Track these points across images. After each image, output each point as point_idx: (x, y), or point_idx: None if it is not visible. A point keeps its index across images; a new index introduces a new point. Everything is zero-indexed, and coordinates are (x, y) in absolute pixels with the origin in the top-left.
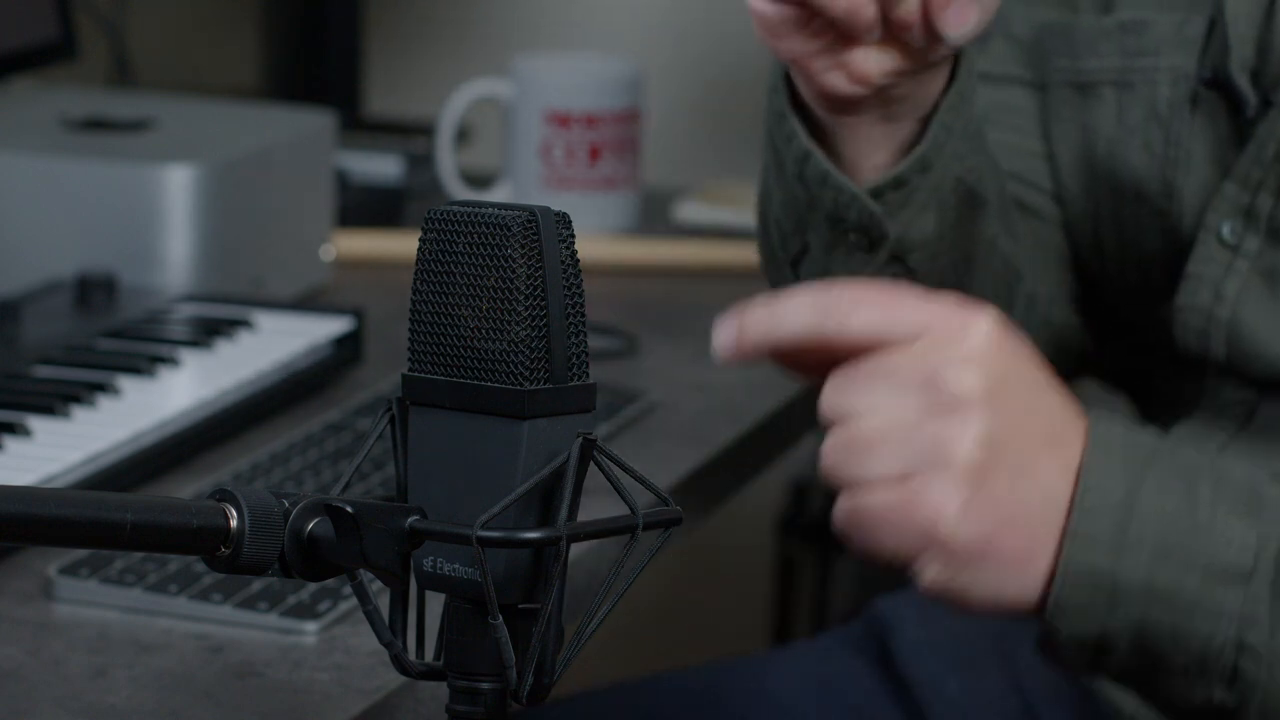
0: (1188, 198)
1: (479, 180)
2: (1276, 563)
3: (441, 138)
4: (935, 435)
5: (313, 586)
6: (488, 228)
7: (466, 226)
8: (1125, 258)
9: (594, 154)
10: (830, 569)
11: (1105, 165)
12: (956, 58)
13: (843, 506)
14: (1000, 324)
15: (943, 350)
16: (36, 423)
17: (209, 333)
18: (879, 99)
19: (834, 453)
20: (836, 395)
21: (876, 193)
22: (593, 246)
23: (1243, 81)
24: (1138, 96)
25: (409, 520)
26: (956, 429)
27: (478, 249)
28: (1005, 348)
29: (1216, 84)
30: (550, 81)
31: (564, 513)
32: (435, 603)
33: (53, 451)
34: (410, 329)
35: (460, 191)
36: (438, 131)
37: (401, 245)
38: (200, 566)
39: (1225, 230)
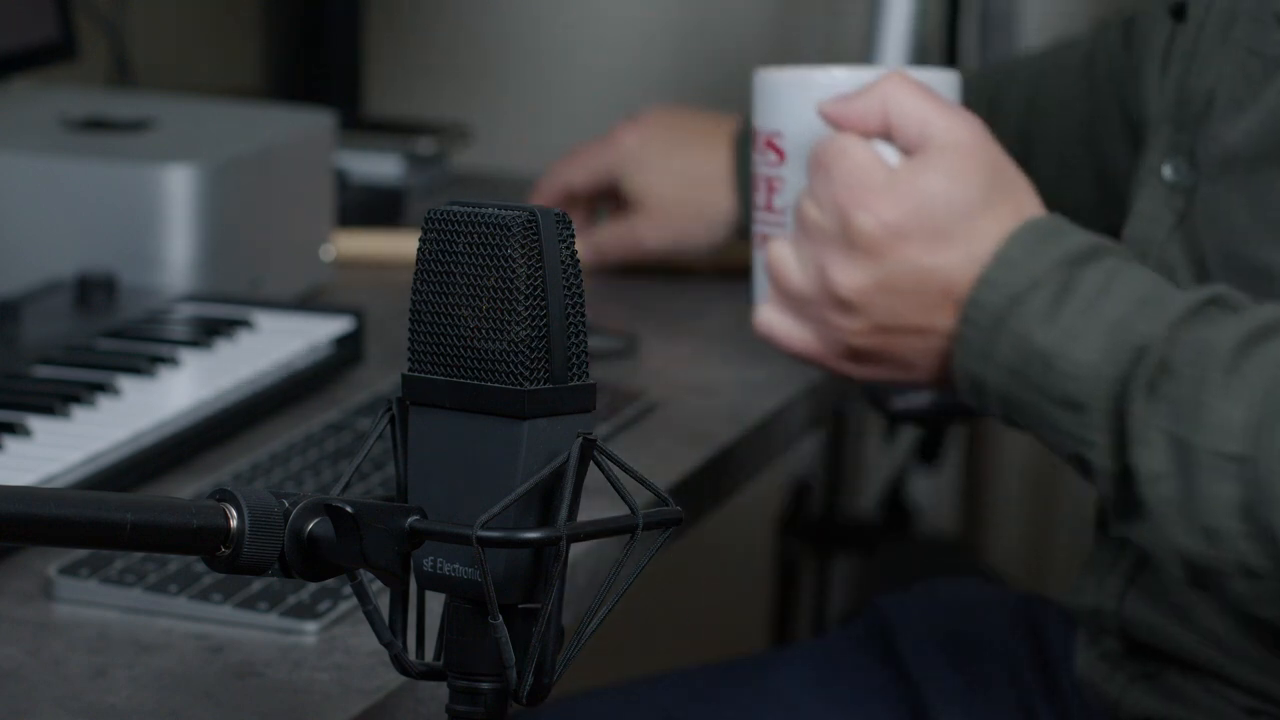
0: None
1: (478, 180)
2: (1113, 396)
3: None
4: (830, 321)
5: (313, 586)
6: (488, 228)
7: (466, 226)
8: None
9: None
10: (830, 569)
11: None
12: None
13: (765, 317)
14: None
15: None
16: (36, 423)
17: (209, 333)
18: None
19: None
20: (778, 248)
21: None
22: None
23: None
24: (1150, 40)
25: (409, 520)
26: (844, 321)
27: (478, 249)
28: (899, 236)
29: (1178, 12)
30: None
31: (564, 513)
32: (435, 603)
33: (53, 451)
34: (410, 329)
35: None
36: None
37: (401, 245)
38: (200, 566)
39: (1166, 170)
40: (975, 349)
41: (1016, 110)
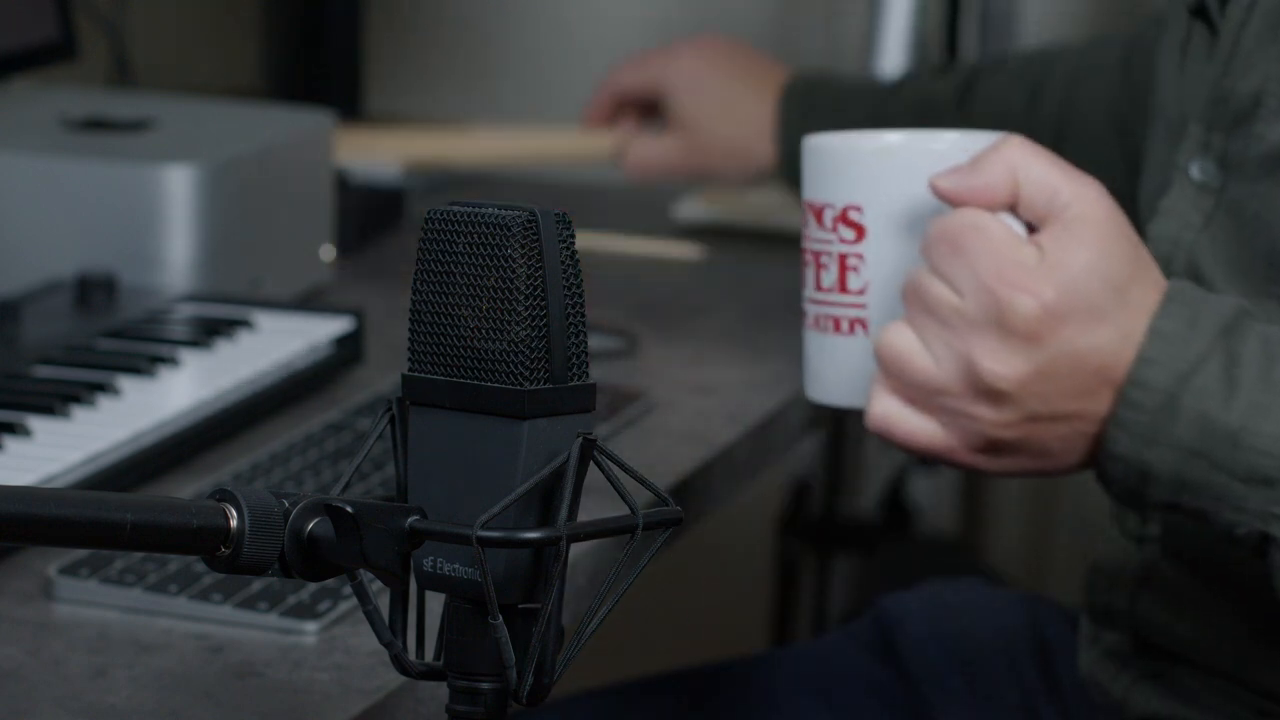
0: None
1: (478, 180)
2: None
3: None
4: (971, 414)
5: (313, 586)
6: (488, 228)
7: (466, 226)
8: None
9: None
10: (830, 569)
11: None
12: None
13: (881, 410)
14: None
15: (986, 338)
16: (36, 423)
17: (209, 333)
18: None
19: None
20: (896, 335)
21: None
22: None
23: (1215, 11)
24: (1166, 33)
25: (409, 520)
26: (991, 412)
27: (478, 249)
28: (1057, 320)
29: (1200, 12)
30: None
31: (564, 513)
32: (435, 603)
33: (53, 451)
34: (410, 329)
35: None
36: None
37: (469, 146)
38: (200, 566)
39: (1194, 170)
40: (1141, 432)
41: (1054, 102)
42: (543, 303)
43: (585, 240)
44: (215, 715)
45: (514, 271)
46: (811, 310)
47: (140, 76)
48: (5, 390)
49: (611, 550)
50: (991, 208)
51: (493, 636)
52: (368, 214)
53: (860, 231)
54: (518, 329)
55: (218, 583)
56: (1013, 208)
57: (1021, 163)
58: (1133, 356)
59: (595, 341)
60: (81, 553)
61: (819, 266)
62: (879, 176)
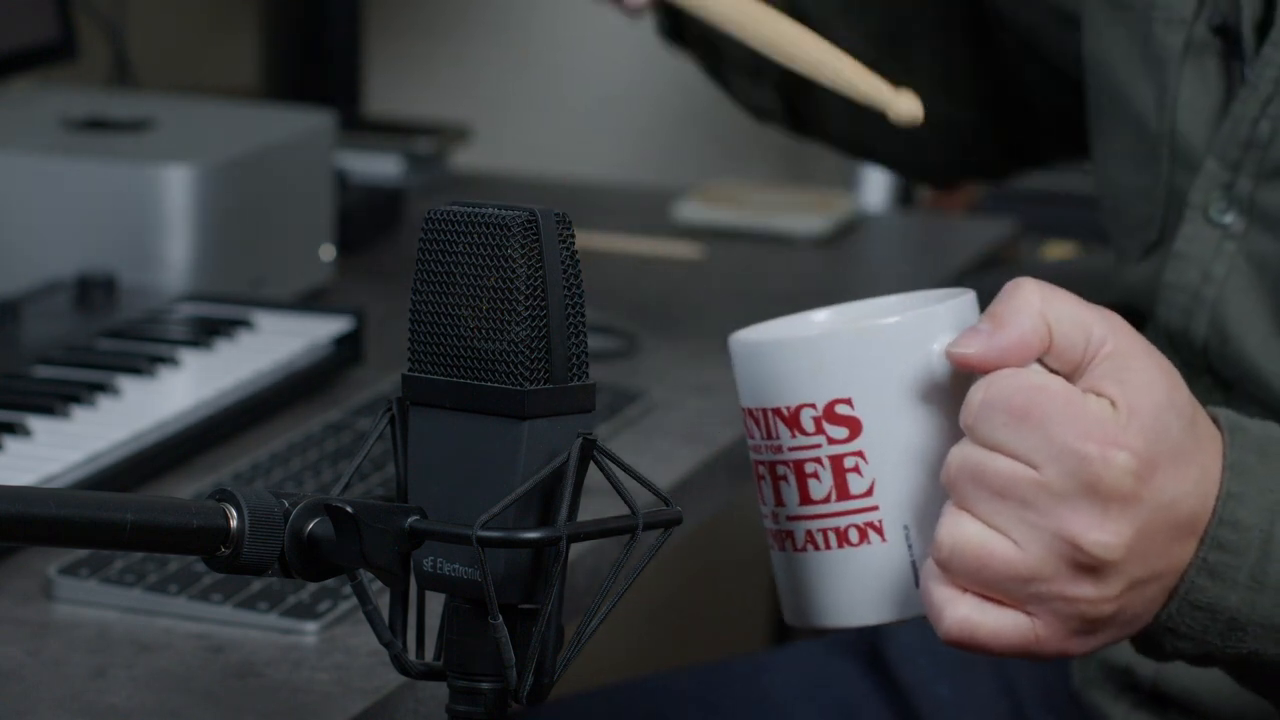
0: (1187, 148)
1: (478, 180)
2: None
3: None
4: (1069, 595)
5: (313, 586)
6: (488, 228)
7: (466, 226)
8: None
9: None
10: None
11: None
12: None
13: (960, 617)
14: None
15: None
16: (36, 423)
17: (209, 333)
18: None
19: (956, 556)
20: (959, 529)
21: None
22: (602, 241)
23: (1248, 33)
24: (1128, 28)
25: (409, 520)
26: (1094, 589)
27: (478, 249)
28: (1146, 476)
29: (1224, 31)
30: None
31: (564, 513)
32: (435, 603)
33: (53, 451)
34: (410, 329)
35: None
36: None
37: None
38: (200, 566)
39: (1213, 210)
40: (1235, 577)
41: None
42: (543, 303)
43: (585, 240)
44: (215, 715)
45: (514, 271)
46: (800, 529)
47: (140, 76)
48: (5, 390)
49: (611, 550)
50: (1024, 363)
51: (493, 636)
52: (368, 214)
53: (855, 426)
54: (518, 329)
55: (218, 583)
56: (1045, 355)
57: (1048, 306)
58: (1214, 496)
59: (595, 341)
60: (81, 553)
61: (804, 477)
62: (870, 360)
